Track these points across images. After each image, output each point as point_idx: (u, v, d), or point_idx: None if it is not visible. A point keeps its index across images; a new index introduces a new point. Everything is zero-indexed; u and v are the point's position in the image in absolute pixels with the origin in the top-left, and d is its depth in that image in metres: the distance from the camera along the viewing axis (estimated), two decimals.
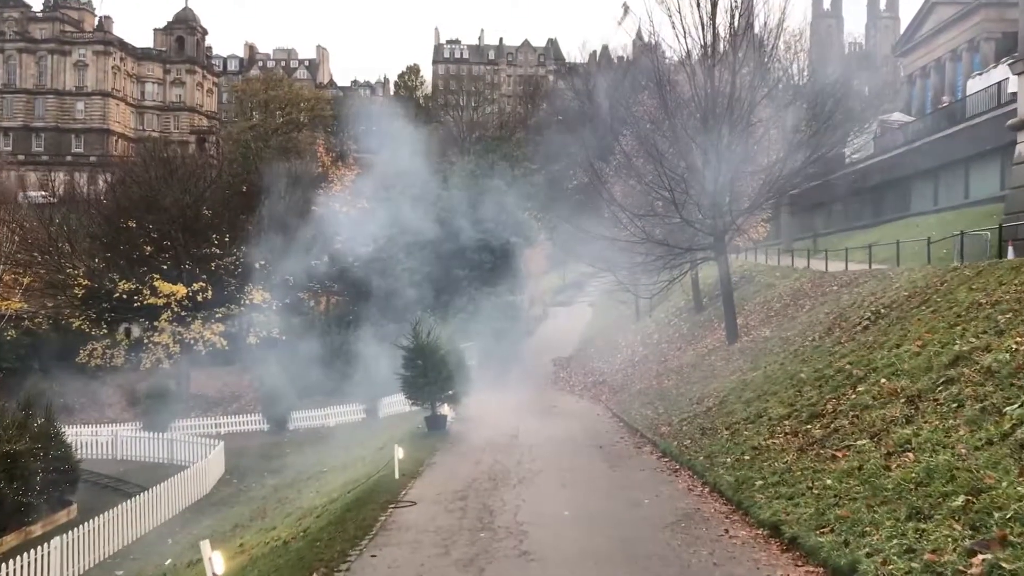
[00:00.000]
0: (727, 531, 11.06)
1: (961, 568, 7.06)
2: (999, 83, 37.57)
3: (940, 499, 8.54)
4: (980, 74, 48.99)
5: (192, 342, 47.70)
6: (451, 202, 53.68)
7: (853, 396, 14.02)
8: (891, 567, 7.71)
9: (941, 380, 12.01)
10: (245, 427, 43.15)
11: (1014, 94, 34.37)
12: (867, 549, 8.36)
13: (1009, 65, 31.50)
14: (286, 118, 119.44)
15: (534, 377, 43.89)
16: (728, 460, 15.09)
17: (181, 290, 45.70)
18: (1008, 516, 7.48)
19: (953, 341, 13.29)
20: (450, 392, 25.20)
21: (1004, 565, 6.82)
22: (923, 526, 8.21)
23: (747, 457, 14.57)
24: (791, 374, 18.57)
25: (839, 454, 12.00)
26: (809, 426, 14.19)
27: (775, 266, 38.39)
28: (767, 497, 11.86)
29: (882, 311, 19.03)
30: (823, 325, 21.76)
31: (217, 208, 49.33)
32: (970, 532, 7.63)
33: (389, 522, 12.70)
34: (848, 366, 16.02)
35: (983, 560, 7.00)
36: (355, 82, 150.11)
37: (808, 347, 20.31)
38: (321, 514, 15.73)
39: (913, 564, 7.55)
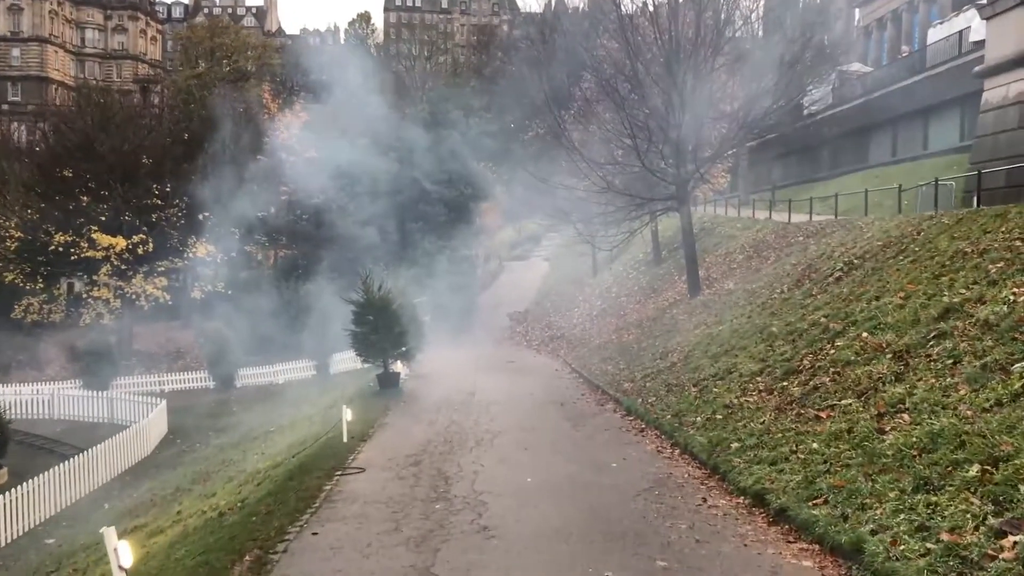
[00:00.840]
0: (705, 500, 10.13)
1: (990, 552, 6.13)
2: (960, 32, 36.83)
3: (950, 468, 7.62)
4: (941, 23, 48.20)
5: (134, 297, 45.80)
6: (403, 152, 52.10)
7: (832, 351, 13.15)
8: (903, 547, 6.78)
9: (932, 334, 11.14)
10: (190, 384, 41.61)
11: (976, 43, 33.66)
12: (871, 525, 7.43)
13: (978, 9, 30.65)
14: (233, 67, 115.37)
15: (490, 332, 42.90)
16: (698, 419, 14.19)
17: (120, 242, 43.69)
18: None
19: (941, 292, 12.43)
20: (403, 348, 24.04)
21: None
22: (934, 499, 7.29)
23: (719, 416, 13.67)
24: (760, 328, 17.71)
25: (823, 414, 11.11)
26: (785, 383, 13.32)
27: (735, 217, 37.61)
28: (746, 461, 10.95)
29: (855, 262, 18.19)
30: (791, 277, 20.94)
31: (157, 156, 47.08)
32: (992, 507, 6.71)
33: (334, 492, 11.58)
34: (823, 319, 15.16)
35: (1015, 543, 6.08)
36: (304, 30, 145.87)
37: (776, 300, 19.47)
38: (262, 481, 14.56)
39: (929, 545, 6.62)
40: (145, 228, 44.63)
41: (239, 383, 41.10)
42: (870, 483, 8.28)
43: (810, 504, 8.57)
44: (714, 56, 25.72)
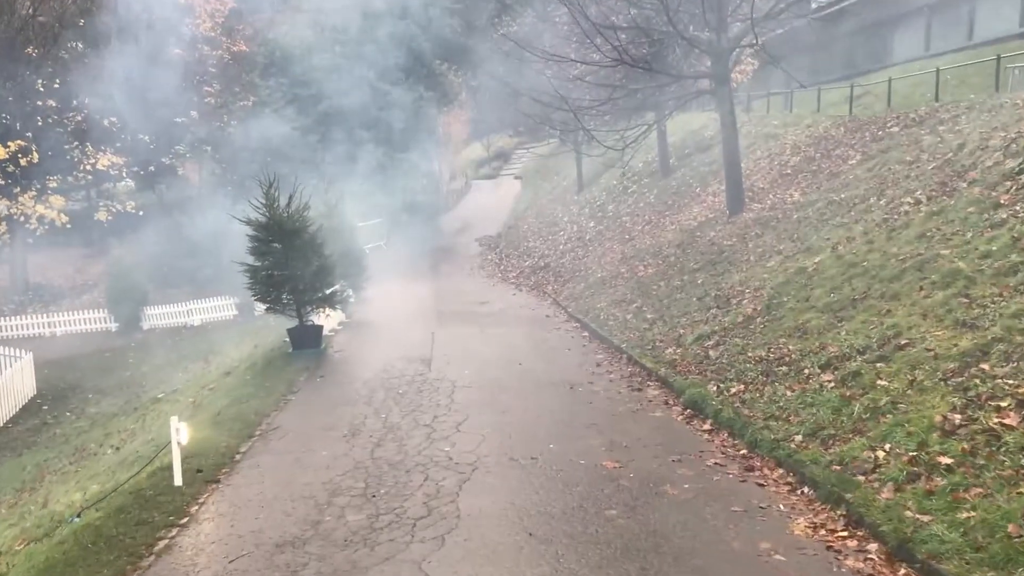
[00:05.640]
0: None
1: None
2: None
3: None
4: None
5: (21, 219, 37.35)
6: (351, 46, 43.62)
7: None
8: None
9: None
10: (88, 326, 33.74)
11: None
12: None
13: None
14: None
15: (456, 260, 35.40)
16: (882, 458, 6.86)
17: None
18: None
19: None
20: (327, 292, 16.37)
21: None
22: None
23: (943, 459, 6.34)
24: (913, 261, 10.36)
25: None
26: None
27: (764, 115, 29.97)
28: None
29: None
30: (918, 179, 13.51)
31: (44, 45, 38.12)
32: None
33: None
34: None
35: None
36: None
37: (914, 214, 12.06)
38: None
39: None
40: (28, 134, 35.90)
41: (146, 325, 33.37)
42: None
43: None
44: None
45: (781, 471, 7.67)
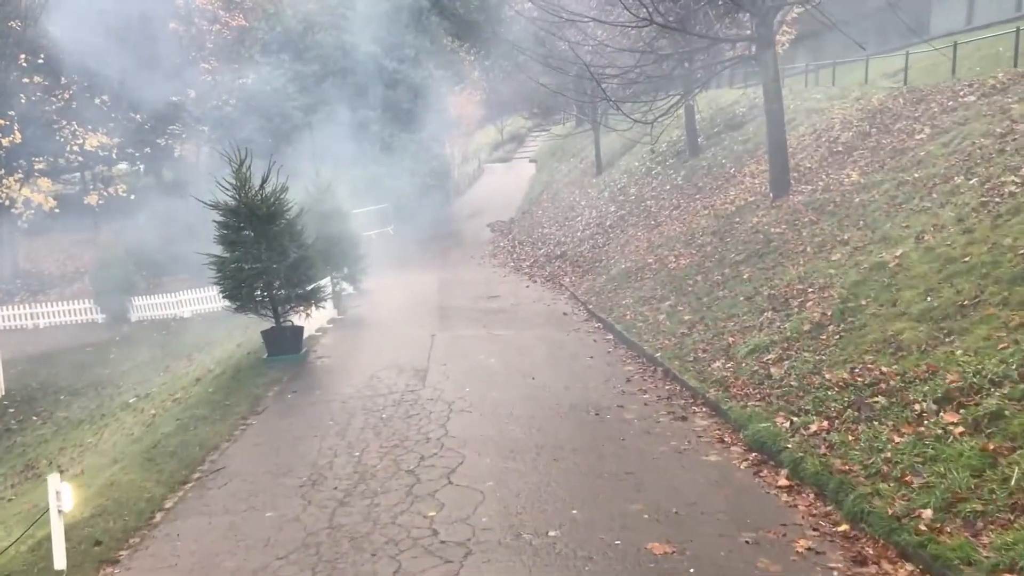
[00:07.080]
0: None
1: None
2: None
3: None
4: None
5: (8, 203, 35.29)
6: (357, 22, 41.22)
7: None
8: None
9: None
10: (73, 318, 31.63)
11: None
12: None
13: None
14: None
15: (466, 247, 33.10)
16: None
17: None
18: None
19: None
20: (307, 288, 14.03)
21: None
22: None
23: None
24: None
25: None
26: None
27: (802, 89, 27.36)
28: None
29: None
30: (1019, 155, 11.07)
31: (28, 19, 35.92)
32: None
33: None
34: None
35: None
36: None
37: (1022, 195, 9.63)
38: None
39: None
40: (11, 112, 33.75)
41: (134, 316, 31.21)
42: None
43: None
44: None
45: (910, 567, 5.29)
